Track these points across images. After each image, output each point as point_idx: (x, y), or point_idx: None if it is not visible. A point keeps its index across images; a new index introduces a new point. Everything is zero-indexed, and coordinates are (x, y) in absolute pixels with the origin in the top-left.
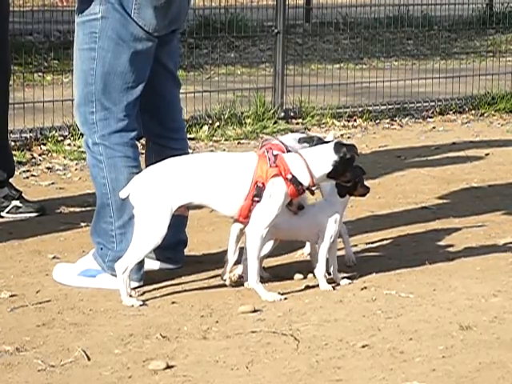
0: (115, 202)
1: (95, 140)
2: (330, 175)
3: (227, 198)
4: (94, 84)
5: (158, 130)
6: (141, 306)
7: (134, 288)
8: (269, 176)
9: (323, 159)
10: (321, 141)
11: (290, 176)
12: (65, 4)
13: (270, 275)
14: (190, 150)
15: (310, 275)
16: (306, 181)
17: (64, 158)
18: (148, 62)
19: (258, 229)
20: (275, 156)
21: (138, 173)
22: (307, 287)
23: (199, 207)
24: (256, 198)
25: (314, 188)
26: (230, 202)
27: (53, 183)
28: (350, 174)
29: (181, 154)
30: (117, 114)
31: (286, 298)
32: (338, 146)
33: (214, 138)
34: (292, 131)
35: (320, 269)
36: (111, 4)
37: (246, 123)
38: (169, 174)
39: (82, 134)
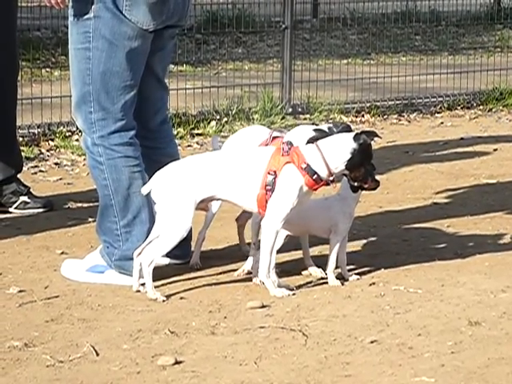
0: (118, 202)
1: (94, 140)
2: (347, 166)
3: (243, 189)
4: (91, 84)
5: (142, 133)
6: (164, 301)
7: (143, 284)
8: (281, 164)
9: (340, 147)
10: (349, 128)
11: (304, 165)
12: (58, 7)
13: (278, 270)
14: (197, 146)
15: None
16: (321, 170)
17: (72, 153)
18: (144, 58)
19: (273, 222)
20: (290, 147)
21: (139, 171)
22: (315, 283)
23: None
24: (268, 187)
25: (331, 178)
26: (246, 192)
27: (61, 179)
28: (364, 169)
29: (165, 153)
30: (115, 113)
31: (294, 294)
32: (358, 135)
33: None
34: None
35: (330, 264)
36: (103, 3)
37: (253, 119)
38: (191, 168)
39: None
